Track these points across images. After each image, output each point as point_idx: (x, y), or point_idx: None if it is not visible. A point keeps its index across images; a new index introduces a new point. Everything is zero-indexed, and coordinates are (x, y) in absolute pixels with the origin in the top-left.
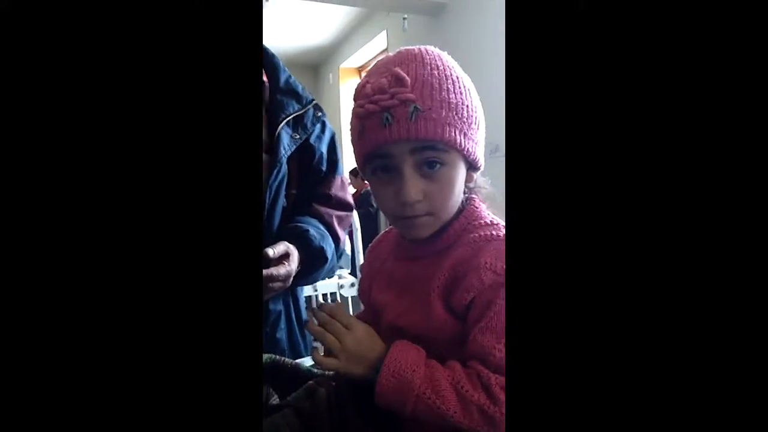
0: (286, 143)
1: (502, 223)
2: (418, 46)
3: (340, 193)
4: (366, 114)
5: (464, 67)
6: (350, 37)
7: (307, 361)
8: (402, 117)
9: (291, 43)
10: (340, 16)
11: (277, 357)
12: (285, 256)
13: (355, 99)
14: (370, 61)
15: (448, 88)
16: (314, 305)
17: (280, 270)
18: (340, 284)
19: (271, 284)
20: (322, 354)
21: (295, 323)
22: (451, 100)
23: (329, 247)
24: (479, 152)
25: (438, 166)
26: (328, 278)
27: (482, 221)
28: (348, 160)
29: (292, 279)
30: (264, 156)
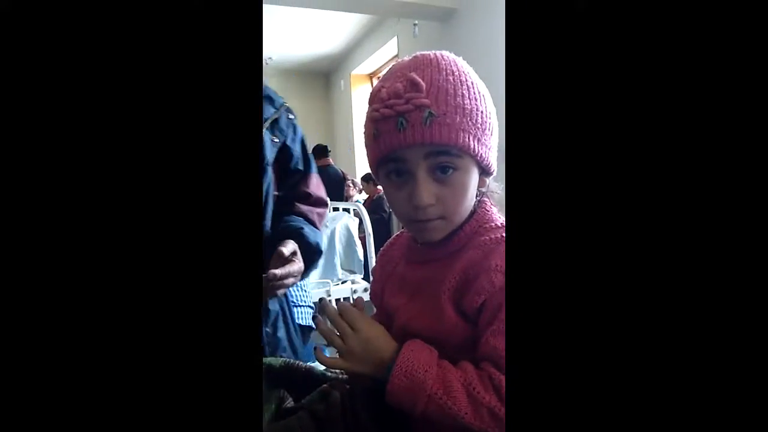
0: (269, 147)
1: None
2: (433, 51)
3: (317, 191)
4: (381, 118)
5: (475, 72)
6: (361, 44)
7: (319, 365)
8: (417, 122)
9: (302, 51)
10: (351, 23)
11: (291, 360)
12: (293, 254)
13: (371, 103)
14: (381, 67)
15: (462, 93)
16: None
17: (293, 267)
18: (353, 289)
19: (286, 281)
20: (327, 354)
21: (290, 323)
22: (466, 106)
23: (321, 241)
24: (492, 157)
25: (451, 171)
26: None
27: (493, 224)
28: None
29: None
30: None
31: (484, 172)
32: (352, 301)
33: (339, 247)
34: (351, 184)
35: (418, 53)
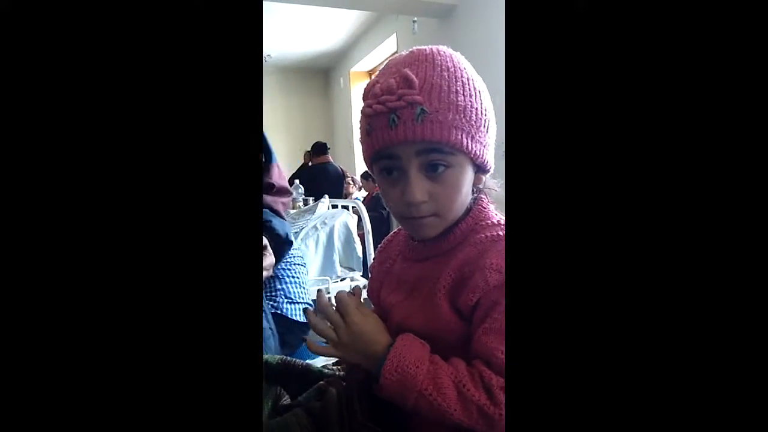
0: None
1: None
2: (430, 46)
3: (279, 181)
4: (373, 114)
5: (474, 69)
6: (360, 41)
7: (317, 362)
8: (408, 119)
9: (301, 48)
10: (350, 20)
11: (288, 358)
12: (263, 248)
13: (364, 98)
14: (380, 64)
15: (457, 90)
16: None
17: (266, 261)
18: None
19: None
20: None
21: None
22: (460, 103)
23: (290, 231)
24: (488, 155)
25: (443, 168)
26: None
27: (489, 221)
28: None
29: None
30: None
31: (480, 169)
32: None
33: (338, 244)
34: (350, 182)
35: (414, 48)
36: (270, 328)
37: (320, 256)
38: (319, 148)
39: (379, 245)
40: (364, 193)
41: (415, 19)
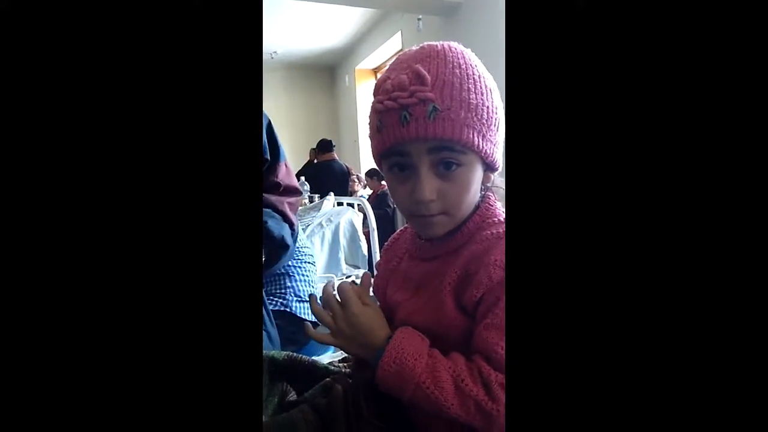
0: None
1: None
2: (441, 42)
3: (286, 180)
4: (384, 110)
5: None
6: (365, 39)
7: (324, 359)
8: (420, 116)
9: (307, 46)
10: (355, 17)
11: (294, 354)
12: None
13: (375, 94)
14: (385, 62)
15: (468, 87)
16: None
17: None
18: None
19: None
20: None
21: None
22: (471, 101)
23: (287, 234)
24: (498, 154)
25: (454, 166)
26: (307, 263)
27: (496, 219)
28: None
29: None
30: None
31: (489, 167)
32: None
33: (343, 242)
34: (356, 179)
35: (425, 44)
36: (266, 331)
37: (325, 254)
38: (325, 146)
39: (386, 243)
40: (369, 191)
41: (420, 17)
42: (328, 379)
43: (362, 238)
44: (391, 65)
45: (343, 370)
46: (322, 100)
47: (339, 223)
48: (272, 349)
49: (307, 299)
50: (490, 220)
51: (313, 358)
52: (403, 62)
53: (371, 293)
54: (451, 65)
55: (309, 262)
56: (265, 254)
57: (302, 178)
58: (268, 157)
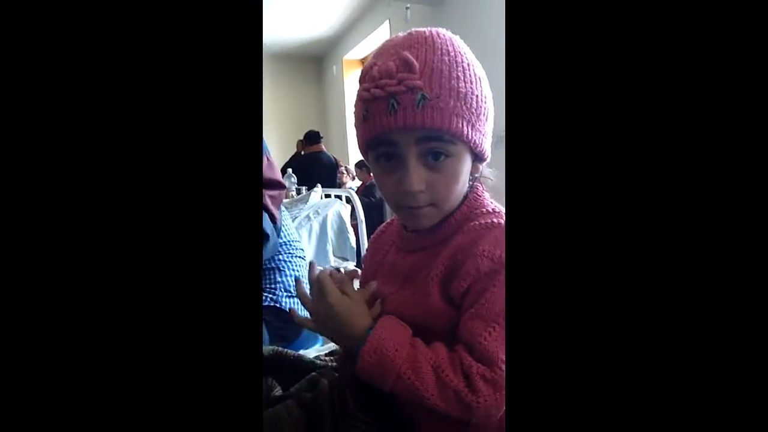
0: None
1: (504, 210)
2: (429, 29)
3: (268, 173)
4: (371, 98)
5: None
6: (353, 28)
7: (310, 353)
8: (408, 104)
9: (293, 35)
10: (342, 6)
11: (280, 348)
12: None
13: (361, 81)
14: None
15: (458, 75)
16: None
17: None
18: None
19: None
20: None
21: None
22: (461, 89)
23: (268, 226)
24: (486, 144)
25: (443, 157)
26: (292, 257)
27: (484, 209)
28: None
29: None
30: None
31: (478, 158)
32: None
33: (331, 234)
34: (344, 171)
35: (412, 30)
36: None
37: (313, 246)
38: (312, 137)
39: (372, 236)
40: (357, 183)
41: (408, 5)
42: (314, 373)
43: (350, 230)
44: (377, 51)
45: (330, 364)
46: (309, 91)
47: (327, 216)
48: None
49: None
50: (478, 211)
51: (299, 352)
52: (390, 48)
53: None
54: (439, 52)
55: (299, 257)
56: None
57: (289, 170)
58: None
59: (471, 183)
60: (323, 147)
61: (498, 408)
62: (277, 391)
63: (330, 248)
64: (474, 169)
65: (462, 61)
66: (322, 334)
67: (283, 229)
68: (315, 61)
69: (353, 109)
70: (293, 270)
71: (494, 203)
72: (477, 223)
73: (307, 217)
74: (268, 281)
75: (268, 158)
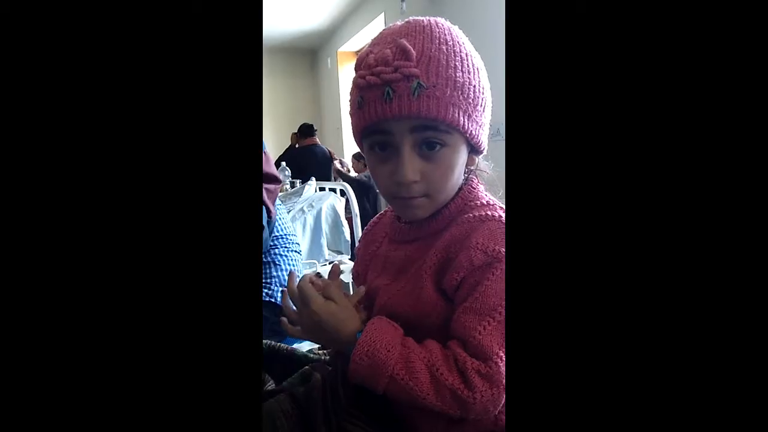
0: None
1: (499, 203)
2: (427, 17)
3: (264, 167)
4: (366, 86)
5: None
6: (348, 20)
7: (303, 347)
8: (404, 93)
9: (288, 27)
10: None
11: (273, 343)
12: None
13: (357, 68)
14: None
15: (455, 65)
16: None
17: None
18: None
19: None
20: None
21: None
22: (458, 79)
23: (264, 220)
24: (483, 135)
25: (438, 147)
26: (285, 251)
27: (478, 201)
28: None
29: None
30: None
31: (474, 149)
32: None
33: (325, 227)
34: (339, 164)
35: (410, 18)
36: None
37: (307, 240)
38: (306, 130)
39: (365, 228)
40: (353, 174)
41: None
42: (306, 367)
43: (345, 223)
44: (374, 39)
45: (323, 358)
46: (304, 84)
47: (321, 209)
48: None
49: None
50: (473, 203)
51: (292, 346)
52: (387, 36)
53: (349, 278)
54: (437, 41)
55: (295, 251)
56: None
57: (283, 164)
58: None
59: (466, 175)
60: (317, 140)
61: (495, 403)
62: (270, 385)
63: (324, 241)
64: (470, 161)
65: (460, 51)
66: (314, 342)
67: (278, 222)
68: (310, 53)
69: (348, 99)
70: (289, 265)
71: (489, 196)
72: (471, 215)
73: (302, 210)
74: (263, 275)
75: (264, 153)
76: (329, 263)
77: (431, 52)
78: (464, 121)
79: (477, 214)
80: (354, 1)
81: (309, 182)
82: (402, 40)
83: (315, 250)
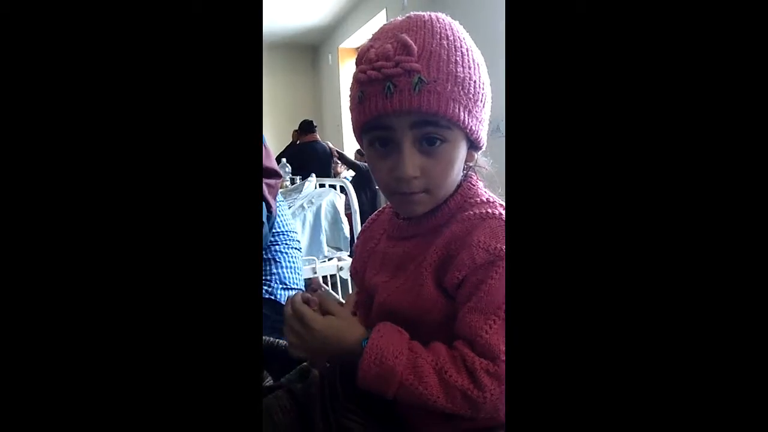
0: None
1: (499, 201)
2: (428, 12)
3: (265, 162)
4: (367, 80)
5: None
6: (349, 17)
7: None
8: (405, 87)
9: (290, 23)
10: None
11: (272, 339)
12: None
13: (358, 63)
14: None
15: (456, 60)
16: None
17: None
18: (339, 266)
19: None
20: None
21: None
22: (459, 74)
23: (263, 215)
24: (483, 131)
25: (438, 142)
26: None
27: (478, 199)
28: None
29: None
30: None
31: (473, 145)
32: (339, 278)
33: (325, 224)
34: (339, 161)
35: (411, 13)
36: None
37: (307, 236)
38: (307, 127)
39: (363, 225)
40: (352, 173)
41: None
42: (304, 363)
43: (344, 220)
44: (375, 34)
45: None
46: (304, 80)
47: (320, 205)
48: None
49: (293, 287)
50: (472, 200)
51: None
52: (387, 31)
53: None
54: (438, 36)
55: (296, 248)
56: None
57: (284, 160)
58: None
59: (465, 171)
60: (318, 136)
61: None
62: (268, 382)
63: (324, 238)
64: (469, 157)
65: (461, 46)
66: (324, 362)
67: (279, 219)
68: (311, 49)
69: (349, 94)
70: (289, 262)
71: (488, 193)
72: (471, 212)
73: (301, 206)
74: (263, 272)
75: (265, 147)
76: (328, 260)
77: (432, 47)
78: (464, 117)
79: (478, 211)
80: None
81: (309, 179)
82: (403, 35)
83: (314, 246)
